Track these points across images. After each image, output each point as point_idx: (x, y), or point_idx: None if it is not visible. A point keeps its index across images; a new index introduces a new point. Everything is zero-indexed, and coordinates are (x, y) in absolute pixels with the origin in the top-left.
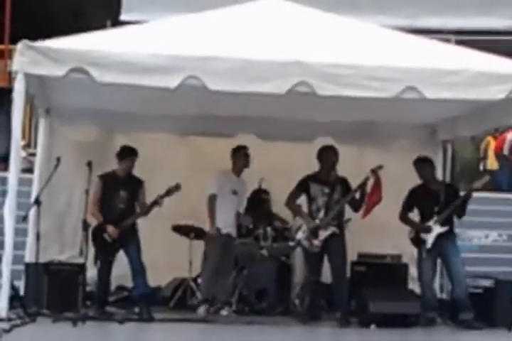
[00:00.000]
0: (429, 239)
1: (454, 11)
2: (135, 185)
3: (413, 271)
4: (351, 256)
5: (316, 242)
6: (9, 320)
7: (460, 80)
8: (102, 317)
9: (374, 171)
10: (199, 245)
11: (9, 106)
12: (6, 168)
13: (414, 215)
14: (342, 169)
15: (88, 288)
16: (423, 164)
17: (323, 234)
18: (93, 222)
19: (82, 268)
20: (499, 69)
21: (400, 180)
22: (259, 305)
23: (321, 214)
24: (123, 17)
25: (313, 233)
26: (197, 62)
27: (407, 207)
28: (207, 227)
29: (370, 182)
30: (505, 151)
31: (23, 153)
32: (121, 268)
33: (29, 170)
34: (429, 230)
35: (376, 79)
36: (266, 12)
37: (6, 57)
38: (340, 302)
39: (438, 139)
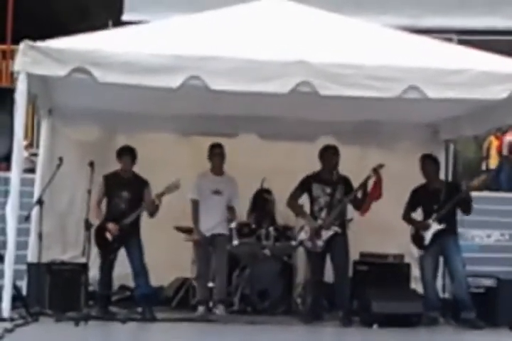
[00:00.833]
0: (427, 235)
1: (457, 10)
2: (139, 186)
3: (415, 271)
4: (353, 255)
5: (319, 242)
6: (12, 319)
7: (462, 80)
8: (104, 316)
9: (375, 170)
10: None
11: (12, 107)
12: (8, 168)
13: (418, 215)
14: (344, 169)
15: (90, 288)
16: (428, 161)
17: (326, 234)
18: (95, 221)
19: (84, 267)
20: (501, 69)
21: (403, 179)
22: (262, 304)
23: (323, 214)
24: (125, 17)
25: (316, 233)
26: (199, 62)
27: (409, 207)
28: None
29: (372, 181)
30: (504, 153)
31: (26, 153)
32: (123, 267)
33: (31, 170)
34: (427, 227)
35: (378, 78)
36: (268, 12)
37: (8, 58)
38: (342, 301)
39: (440, 139)
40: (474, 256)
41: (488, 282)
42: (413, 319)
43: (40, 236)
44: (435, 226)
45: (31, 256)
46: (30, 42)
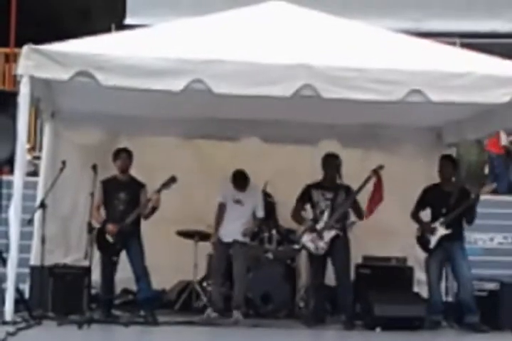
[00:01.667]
0: (433, 240)
1: (459, 14)
2: (136, 188)
3: (418, 274)
4: (356, 258)
5: (321, 244)
6: (14, 323)
7: (465, 83)
8: (107, 320)
9: (375, 171)
10: (204, 248)
11: (14, 110)
12: (11, 172)
13: (425, 215)
14: (346, 172)
15: (93, 291)
16: (446, 162)
17: (328, 236)
18: (97, 225)
19: (87, 271)
20: (504, 73)
21: (405, 182)
22: (265, 308)
23: (325, 216)
24: (127, 21)
25: (318, 235)
26: (202, 65)
27: (419, 205)
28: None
29: (372, 182)
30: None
31: (28, 157)
32: (125, 271)
33: (34, 173)
34: (433, 231)
35: (381, 82)
36: (271, 15)
37: (11, 61)
38: (344, 305)
39: (443, 142)
40: (477, 259)
41: (491, 285)
42: (416, 322)
43: (42, 239)
44: (442, 231)
45: (34, 260)
46: (33, 46)
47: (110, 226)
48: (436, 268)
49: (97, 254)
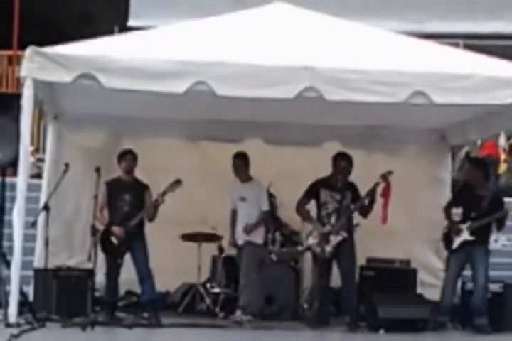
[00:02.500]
0: (456, 242)
1: (462, 15)
2: (140, 190)
3: (422, 276)
4: (360, 260)
5: (327, 248)
6: (18, 325)
7: (468, 85)
8: (110, 322)
9: (384, 176)
10: (208, 250)
11: (18, 112)
12: (14, 174)
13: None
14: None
15: (97, 294)
16: (471, 167)
17: (335, 240)
18: (101, 227)
19: (90, 273)
20: (507, 74)
21: (408, 184)
22: (268, 309)
23: (333, 219)
24: (131, 23)
25: (325, 238)
26: (205, 67)
27: (452, 202)
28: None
29: (380, 188)
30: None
31: (32, 159)
32: (129, 273)
33: (38, 175)
34: (458, 233)
35: (384, 84)
36: (274, 17)
37: (14, 63)
38: (349, 306)
39: (447, 144)
40: None
41: (495, 287)
42: (420, 324)
43: (46, 241)
44: (466, 235)
45: (38, 262)
46: (36, 48)
47: (116, 229)
48: (454, 270)
49: (100, 256)
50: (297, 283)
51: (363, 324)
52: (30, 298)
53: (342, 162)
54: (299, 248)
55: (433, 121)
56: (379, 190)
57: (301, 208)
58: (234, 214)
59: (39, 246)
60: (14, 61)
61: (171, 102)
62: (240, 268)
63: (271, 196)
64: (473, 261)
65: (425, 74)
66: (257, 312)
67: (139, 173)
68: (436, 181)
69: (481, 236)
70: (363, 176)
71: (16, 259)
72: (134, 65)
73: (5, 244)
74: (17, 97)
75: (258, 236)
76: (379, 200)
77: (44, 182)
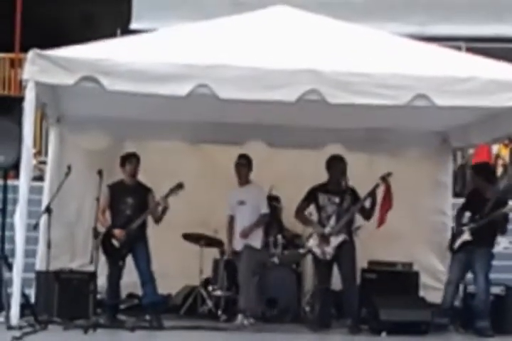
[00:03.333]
0: (457, 243)
1: (465, 18)
2: (143, 193)
3: (424, 279)
4: (362, 263)
5: (328, 250)
6: (20, 327)
7: (471, 88)
8: (112, 324)
9: (384, 178)
10: (209, 253)
11: (20, 115)
12: (16, 176)
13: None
14: (352, 176)
15: (99, 296)
16: (476, 172)
17: (335, 241)
18: (103, 229)
19: (92, 276)
20: (509, 77)
21: (411, 187)
22: (270, 312)
23: (332, 221)
24: (133, 25)
25: (325, 240)
26: (207, 70)
27: (464, 207)
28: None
29: (381, 190)
30: None
31: (34, 161)
32: (131, 276)
33: (40, 178)
34: (459, 234)
35: (387, 86)
36: (276, 20)
37: (16, 66)
38: (350, 309)
39: (449, 147)
40: None
41: (497, 290)
42: (421, 327)
43: (48, 244)
44: (466, 236)
45: (40, 265)
46: (38, 51)
47: (117, 231)
48: (456, 271)
49: (102, 259)
50: (299, 285)
51: (364, 327)
52: (32, 300)
53: (335, 164)
54: (301, 250)
55: (435, 124)
56: (379, 191)
57: (300, 214)
58: (232, 220)
59: (41, 248)
60: (16, 64)
61: (173, 105)
62: (239, 272)
63: (275, 199)
64: (474, 264)
65: (428, 77)
66: (258, 316)
67: (140, 176)
68: (437, 184)
69: (483, 238)
70: (364, 179)
71: (18, 262)
72: (137, 67)
73: (7, 246)
74: (19, 100)
75: (256, 240)
76: (379, 203)
77: (46, 184)
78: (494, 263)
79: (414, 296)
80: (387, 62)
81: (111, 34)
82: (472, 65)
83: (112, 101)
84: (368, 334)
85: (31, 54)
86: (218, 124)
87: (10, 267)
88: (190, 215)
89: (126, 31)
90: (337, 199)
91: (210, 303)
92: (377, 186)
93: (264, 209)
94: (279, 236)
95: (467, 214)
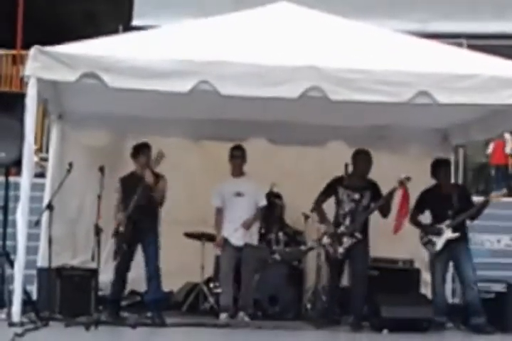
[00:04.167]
0: (439, 242)
1: (466, 15)
2: (155, 181)
3: (425, 276)
4: None
5: (340, 249)
6: (22, 324)
7: (472, 85)
8: (114, 321)
9: (402, 182)
10: (211, 249)
11: (22, 111)
12: (18, 173)
13: (426, 218)
14: None
15: (100, 293)
16: (441, 167)
17: (348, 242)
18: (105, 226)
19: (94, 272)
20: (511, 74)
21: (412, 184)
22: (272, 309)
23: (347, 220)
24: (135, 22)
25: (337, 239)
26: (209, 66)
27: (417, 209)
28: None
29: (398, 194)
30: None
31: (35, 158)
32: (133, 272)
33: (41, 175)
34: (439, 233)
35: (388, 83)
36: (277, 16)
37: (18, 63)
38: (355, 308)
39: (450, 143)
40: (484, 261)
41: (499, 287)
42: (423, 324)
43: (50, 241)
44: (448, 234)
45: (41, 261)
46: (40, 48)
47: (120, 216)
48: (441, 270)
49: (103, 256)
50: (300, 282)
51: (366, 324)
52: (34, 297)
53: (361, 159)
54: (303, 247)
55: (437, 121)
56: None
57: (318, 207)
58: (220, 212)
59: (43, 245)
60: (18, 60)
61: (174, 102)
62: (243, 271)
63: (277, 196)
64: (458, 258)
65: (429, 74)
66: (259, 313)
67: None
68: None
69: (461, 231)
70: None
71: (20, 258)
72: (138, 64)
73: (8, 243)
74: (21, 96)
75: (253, 237)
76: (394, 208)
77: (48, 181)
78: (496, 260)
79: (415, 293)
80: (389, 59)
81: (113, 31)
82: (473, 62)
83: (114, 98)
84: (370, 331)
85: (33, 50)
86: (220, 121)
87: (12, 264)
88: (190, 211)
89: (128, 28)
90: (356, 196)
91: (211, 300)
92: (394, 190)
93: (263, 202)
94: (281, 233)
95: (421, 216)
